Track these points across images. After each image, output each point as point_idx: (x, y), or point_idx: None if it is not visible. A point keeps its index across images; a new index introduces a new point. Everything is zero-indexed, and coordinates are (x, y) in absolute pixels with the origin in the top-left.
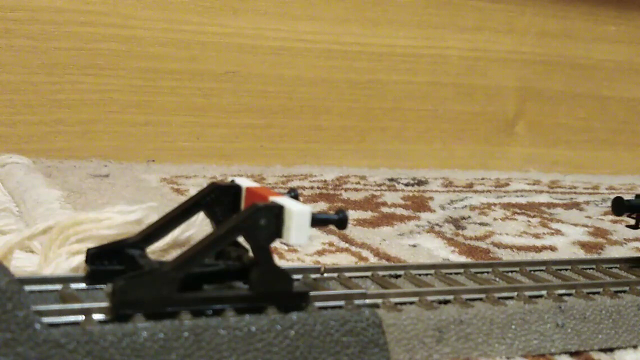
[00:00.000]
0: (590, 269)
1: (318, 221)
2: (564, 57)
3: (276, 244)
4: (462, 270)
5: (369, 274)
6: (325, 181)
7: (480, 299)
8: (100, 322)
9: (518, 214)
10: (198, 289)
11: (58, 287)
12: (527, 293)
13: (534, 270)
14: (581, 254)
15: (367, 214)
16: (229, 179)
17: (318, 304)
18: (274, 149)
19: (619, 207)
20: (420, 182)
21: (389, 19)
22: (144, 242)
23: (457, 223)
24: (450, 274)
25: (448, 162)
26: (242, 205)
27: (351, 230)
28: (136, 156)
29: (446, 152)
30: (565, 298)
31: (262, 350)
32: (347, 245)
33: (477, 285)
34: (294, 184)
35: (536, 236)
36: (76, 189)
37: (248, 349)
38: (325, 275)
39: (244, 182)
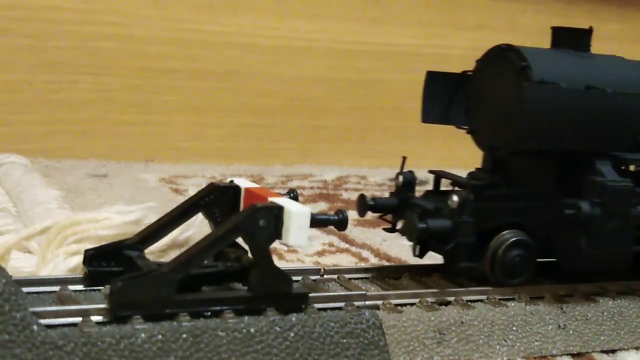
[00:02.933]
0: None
1: (318, 222)
2: None
3: (276, 245)
4: None
5: (369, 275)
6: (325, 181)
7: (481, 301)
8: (98, 323)
9: None
10: (197, 290)
11: (56, 288)
12: (529, 294)
13: None
14: None
15: (368, 214)
16: (228, 179)
17: (318, 305)
18: (274, 148)
19: (361, 206)
20: (420, 182)
21: (389, 18)
22: (142, 243)
23: None
24: None
25: (448, 162)
26: (241, 206)
27: (351, 231)
28: (135, 156)
29: (447, 151)
30: (567, 299)
31: (261, 352)
32: (347, 245)
33: (477, 287)
34: (294, 183)
35: None
36: (74, 189)
37: (247, 351)
38: (325, 276)
39: (243, 183)
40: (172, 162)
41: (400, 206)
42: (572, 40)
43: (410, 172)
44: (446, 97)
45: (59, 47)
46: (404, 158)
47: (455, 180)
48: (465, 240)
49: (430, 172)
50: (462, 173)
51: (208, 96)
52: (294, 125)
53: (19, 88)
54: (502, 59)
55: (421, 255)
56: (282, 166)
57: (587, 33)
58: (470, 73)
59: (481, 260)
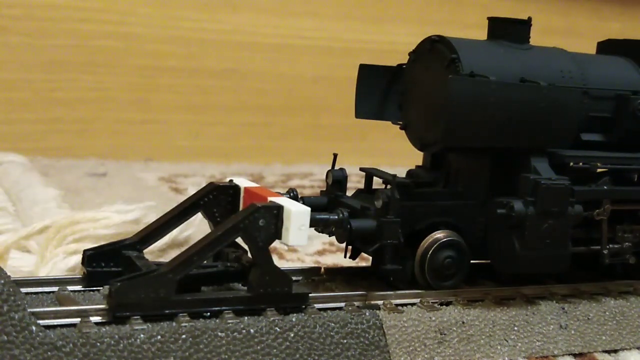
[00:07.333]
0: None
1: (317, 221)
2: None
3: (276, 244)
4: None
5: (369, 274)
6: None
7: (482, 300)
8: (97, 324)
9: None
10: (196, 290)
11: (54, 289)
12: (530, 294)
13: None
14: None
15: None
16: (228, 178)
17: (318, 305)
18: (274, 147)
19: None
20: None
21: (390, 16)
22: (141, 243)
23: None
24: None
25: None
26: (241, 206)
27: None
28: (134, 155)
29: None
30: (569, 299)
31: (261, 352)
32: None
33: (479, 287)
34: (294, 182)
35: None
36: (73, 188)
37: (247, 352)
38: (326, 275)
39: (243, 182)
40: (172, 161)
41: (329, 205)
42: (509, 31)
43: (341, 169)
44: (381, 92)
45: (57, 46)
46: (335, 155)
47: (385, 179)
48: (390, 241)
49: (361, 169)
50: None
51: (208, 95)
52: (294, 123)
53: (18, 87)
54: (433, 51)
55: (353, 257)
56: (282, 165)
57: (525, 23)
58: (405, 66)
59: (411, 262)
